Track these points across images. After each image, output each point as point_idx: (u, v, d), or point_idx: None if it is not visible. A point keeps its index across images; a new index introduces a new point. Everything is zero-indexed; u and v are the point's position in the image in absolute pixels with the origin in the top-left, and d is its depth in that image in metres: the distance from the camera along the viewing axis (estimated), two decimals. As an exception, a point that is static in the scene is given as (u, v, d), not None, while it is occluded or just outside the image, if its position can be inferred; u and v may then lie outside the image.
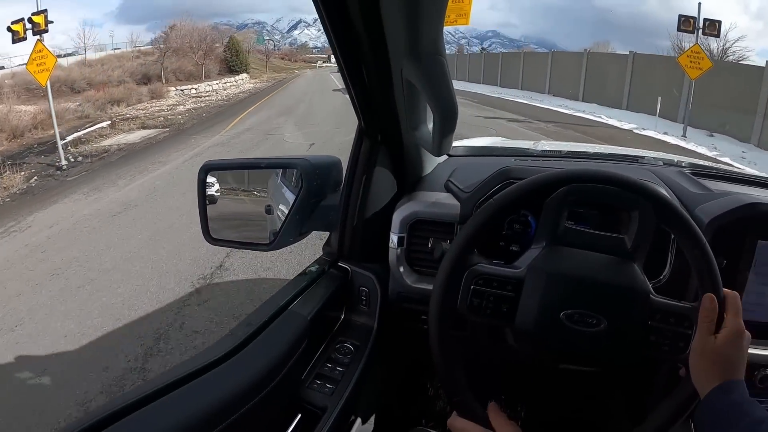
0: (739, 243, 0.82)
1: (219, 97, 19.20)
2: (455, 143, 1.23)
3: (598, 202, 0.72)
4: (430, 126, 0.75)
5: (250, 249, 1.01)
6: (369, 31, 0.65)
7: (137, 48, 25.41)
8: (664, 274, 0.83)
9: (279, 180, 0.97)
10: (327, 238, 0.98)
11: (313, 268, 0.93)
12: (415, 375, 1.17)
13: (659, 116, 10.65)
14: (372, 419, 0.94)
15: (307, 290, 0.86)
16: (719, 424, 0.53)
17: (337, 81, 21.03)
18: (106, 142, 9.88)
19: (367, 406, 0.90)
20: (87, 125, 12.56)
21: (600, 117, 12.37)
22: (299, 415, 0.74)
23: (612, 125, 11.06)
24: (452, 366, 0.62)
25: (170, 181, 5.98)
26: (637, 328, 0.59)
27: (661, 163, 1.19)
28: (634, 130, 10.31)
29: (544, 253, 0.63)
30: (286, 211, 0.88)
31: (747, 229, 0.82)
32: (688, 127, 9.78)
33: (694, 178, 1.00)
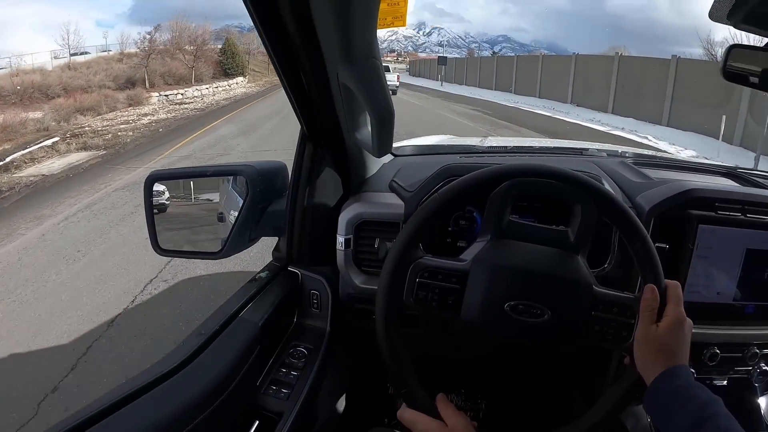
0: (680, 228, 0.85)
1: (199, 105, 17.10)
2: (402, 143, 1.39)
3: (540, 195, 0.77)
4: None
5: (201, 258, 0.99)
6: (303, 37, 0.65)
7: (124, 50, 23.89)
8: (608, 263, 0.85)
9: (230, 187, 0.94)
10: (276, 243, 0.97)
11: (262, 274, 0.91)
12: (373, 375, 1.12)
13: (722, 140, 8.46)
14: (332, 421, 0.94)
15: (257, 297, 0.85)
16: (667, 409, 0.55)
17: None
18: (26, 172, 8.17)
19: (326, 408, 0.91)
20: (40, 140, 10.99)
21: (647, 138, 10.22)
22: (257, 422, 0.75)
23: (670, 154, 8.48)
24: (400, 358, 0.62)
25: (17, 265, 3.92)
26: (580, 319, 0.61)
27: (605, 154, 1.24)
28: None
29: (489, 246, 0.63)
30: None
31: (688, 214, 0.84)
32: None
33: (636, 167, 1.04)
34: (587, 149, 1.30)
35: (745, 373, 0.92)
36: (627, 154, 1.28)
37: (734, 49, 0.87)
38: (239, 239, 0.87)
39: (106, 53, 24.53)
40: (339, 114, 0.78)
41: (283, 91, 0.76)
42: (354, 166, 0.93)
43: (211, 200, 0.99)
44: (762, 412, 0.97)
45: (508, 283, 0.60)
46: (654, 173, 1.03)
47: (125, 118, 14.42)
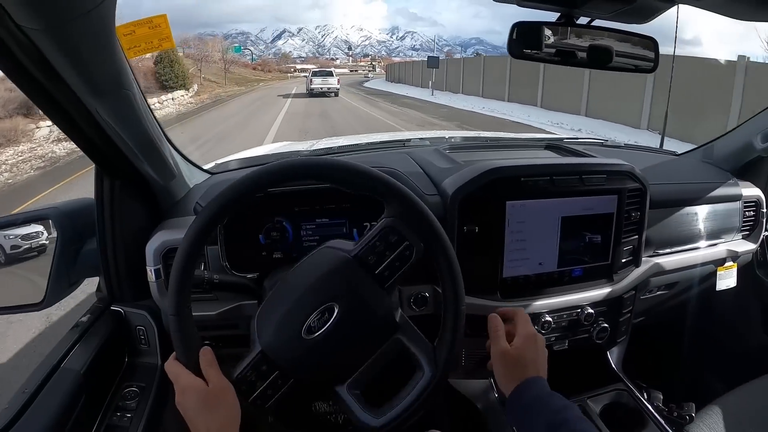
0: (489, 208, 0.86)
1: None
2: (229, 157, 1.36)
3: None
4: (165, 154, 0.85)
5: (23, 311, 0.90)
6: (50, 80, 0.61)
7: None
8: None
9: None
10: (98, 283, 0.94)
11: (84, 319, 0.88)
12: None
13: None
14: None
15: (80, 343, 0.82)
16: (525, 418, 0.59)
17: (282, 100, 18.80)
18: None
19: None
20: None
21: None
22: None
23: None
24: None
25: None
26: (364, 282, 0.62)
27: (427, 143, 1.27)
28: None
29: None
30: None
31: (495, 193, 0.86)
32: None
33: (448, 153, 1.07)
34: (409, 140, 1.31)
35: (585, 334, 0.96)
36: (454, 140, 1.32)
37: (518, 26, 0.90)
38: (58, 285, 0.84)
39: None
40: (121, 146, 0.77)
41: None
42: (159, 193, 0.92)
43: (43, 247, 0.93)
44: (612, 365, 1.00)
45: (292, 323, 0.61)
46: (464, 156, 1.05)
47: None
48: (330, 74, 23.04)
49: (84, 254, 0.89)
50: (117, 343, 0.88)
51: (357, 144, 1.32)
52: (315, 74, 23.24)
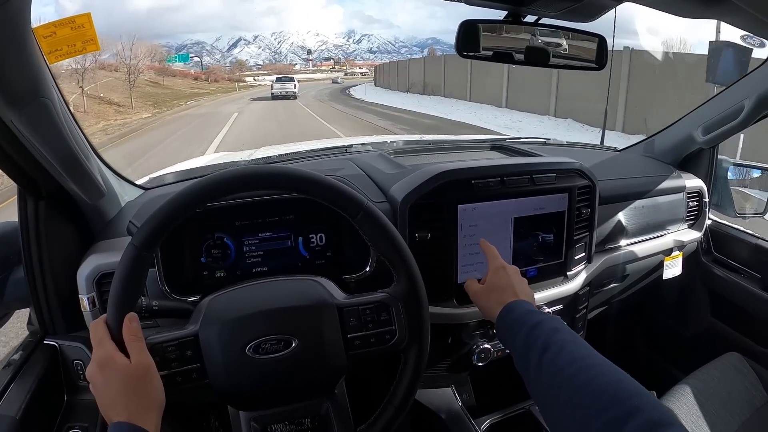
0: (440, 212, 0.84)
1: None
2: (166, 170, 1.26)
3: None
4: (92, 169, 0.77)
5: None
6: None
7: None
8: (368, 265, 0.81)
9: None
10: (29, 315, 0.85)
11: (16, 356, 0.80)
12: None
13: None
14: None
15: (13, 383, 0.74)
16: (508, 336, 0.62)
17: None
18: None
19: None
20: None
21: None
22: None
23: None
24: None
25: None
26: (332, 337, 0.60)
27: (370, 148, 1.23)
28: None
29: (219, 299, 0.62)
30: None
31: (445, 198, 0.84)
32: None
33: (392, 158, 1.04)
34: (351, 146, 1.27)
35: None
36: (397, 144, 1.29)
37: (463, 26, 0.89)
38: None
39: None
40: (42, 162, 0.70)
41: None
42: (87, 213, 0.85)
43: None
44: None
45: (245, 330, 0.59)
46: (410, 161, 1.03)
47: None
48: (290, 80, 25.91)
49: (12, 284, 0.81)
50: (54, 380, 0.80)
51: (297, 152, 1.27)
52: (277, 80, 26.43)
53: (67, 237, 0.82)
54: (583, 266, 1.00)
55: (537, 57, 0.94)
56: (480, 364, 0.90)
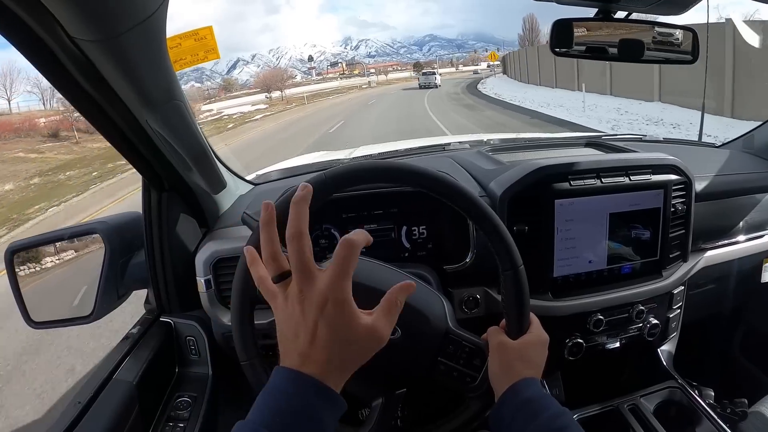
0: (537, 207, 0.85)
1: None
2: (271, 167, 1.38)
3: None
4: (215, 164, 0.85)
5: (75, 324, 0.89)
6: (99, 91, 0.62)
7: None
8: (468, 257, 0.85)
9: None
10: (146, 295, 0.95)
11: (134, 330, 0.89)
12: None
13: None
14: None
15: (131, 354, 0.83)
16: (518, 419, 0.52)
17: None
18: None
19: None
20: None
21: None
22: None
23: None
24: (246, 331, 0.58)
25: None
26: (427, 348, 0.62)
27: (467, 146, 1.25)
28: None
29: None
30: None
31: (543, 192, 0.84)
32: None
33: (490, 155, 1.05)
34: (449, 144, 1.30)
35: (637, 331, 0.95)
36: (493, 142, 1.30)
37: (556, 25, 0.90)
38: (107, 298, 0.85)
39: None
40: (169, 157, 0.78)
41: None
42: (205, 203, 0.92)
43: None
44: (663, 362, 0.98)
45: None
46: (508, 157, 1.05)
47: None
48: (433, 73, 32.82)
49: (132, 267, 0.89)
50: (167, 353, 0.88)
51: (396, 150, 1.30)
52: (423, 74, 35.11)
53: (185, 225, 0.90)
54: (678, 265, 0.97)
55: (631, 52, 0.93)
56: (571, 358, 0.90)
